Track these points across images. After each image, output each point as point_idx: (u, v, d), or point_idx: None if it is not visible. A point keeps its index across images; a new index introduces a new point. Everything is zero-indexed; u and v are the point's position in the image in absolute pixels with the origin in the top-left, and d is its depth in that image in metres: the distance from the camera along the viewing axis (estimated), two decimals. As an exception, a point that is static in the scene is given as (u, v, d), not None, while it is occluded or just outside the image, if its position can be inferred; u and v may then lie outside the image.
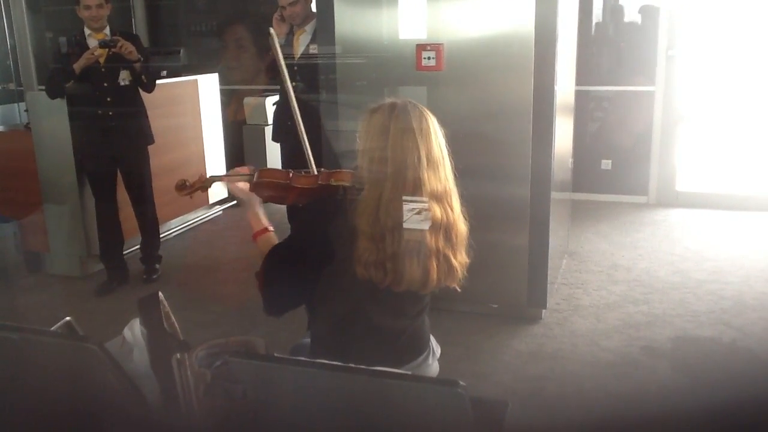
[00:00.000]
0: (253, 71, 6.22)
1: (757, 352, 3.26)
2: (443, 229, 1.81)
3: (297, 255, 1.87)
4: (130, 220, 4.29)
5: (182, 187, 2.03)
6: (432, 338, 2.05)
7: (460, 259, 1.87)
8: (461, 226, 1.86)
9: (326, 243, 1.82)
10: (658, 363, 3.18)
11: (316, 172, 1.94)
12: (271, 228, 1.95)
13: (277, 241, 1.94)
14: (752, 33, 5.41)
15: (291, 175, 1.93)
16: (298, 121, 2.05)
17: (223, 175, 2.05)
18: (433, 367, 2.01)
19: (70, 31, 4.15)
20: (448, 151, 1.83)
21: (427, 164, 1.77)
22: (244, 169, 2.02)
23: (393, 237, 1.76)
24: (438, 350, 2.05)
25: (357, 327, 1.90)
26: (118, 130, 4.02)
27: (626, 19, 5.70)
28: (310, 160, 1.99)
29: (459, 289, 1.91)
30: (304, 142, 2.03)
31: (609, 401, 2.90)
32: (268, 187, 1.95)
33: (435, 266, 1.81)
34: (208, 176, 2.04)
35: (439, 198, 1.80)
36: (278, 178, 1.94)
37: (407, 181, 1.76)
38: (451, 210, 1.83)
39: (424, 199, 1.79)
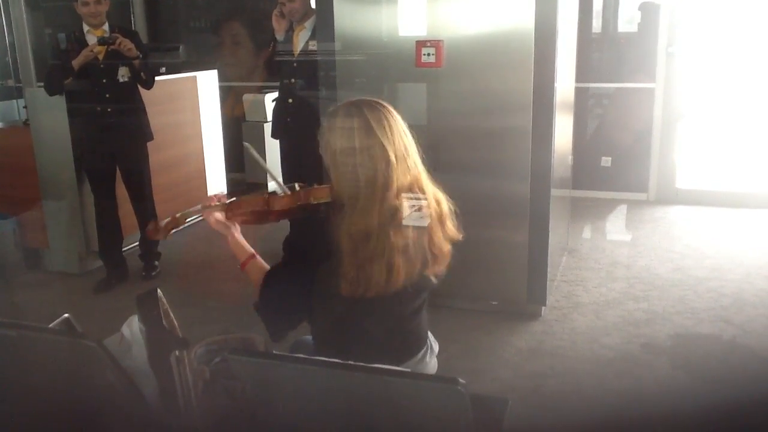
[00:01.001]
0: (251, 67, 6.21)
1: (756, 349, 3.26)
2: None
3: (291, 279, 1.85)
4: (129, 216, 4.29)
5: (156, 230, 2.01)
6: (430, 335, 2.04)
7: (446, 236, 1.84)
8: (438, 204, 1.83)
9: (317, 262, 1.80)
10: (658, 360, 3.18)
11: (288, 192, 1.88)
12: (256, 254, 1.92)
13: (265, 265, 1.91)
14: (752, 30, 5.40)
15: (267, 198, 1.88)
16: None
17: (196, 209, 1.99)
18: (432, 364, 2.00)
19: (69, 28, 4.13)
20: (412, 134, 1.81)
21: (396, 162, 1.74)
22: (217, 197, 1.97)
23: (382, 240, 1.73)
24: (436, 347, 2.04)
25: (351, 333, 1.88)
26: (116, 127, 4.01)
27: (626, 15, 5.69)
28: (280, 184, 1.92)
29: (444, 270, 1.88)
30: (269, 172, 2.00)
31: (609, 398, 2.90)
32: (245, 215, 1.91)
33: (402, 262, 1.76)
34: (179, 215, 2.00)
35: (408, 190, 1.78)
36: (254, 205, 1.90)
37: (377, 185, 1.73)
38: (422, 193, 1.81)
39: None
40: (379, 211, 1.73)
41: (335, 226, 1.74)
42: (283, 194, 1.87)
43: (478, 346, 3.32)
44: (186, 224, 2.04)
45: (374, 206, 1.73)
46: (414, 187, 1.79)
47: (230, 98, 6.25)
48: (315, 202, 1.82)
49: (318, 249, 1.79)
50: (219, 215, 1.91)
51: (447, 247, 1.86)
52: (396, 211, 1.75)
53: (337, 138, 1.77)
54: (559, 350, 3.28)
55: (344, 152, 1.75)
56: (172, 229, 1.99)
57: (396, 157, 1.74)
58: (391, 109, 1.80)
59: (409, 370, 1.82)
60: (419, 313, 1.97)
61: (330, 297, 1.81)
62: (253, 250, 1.92)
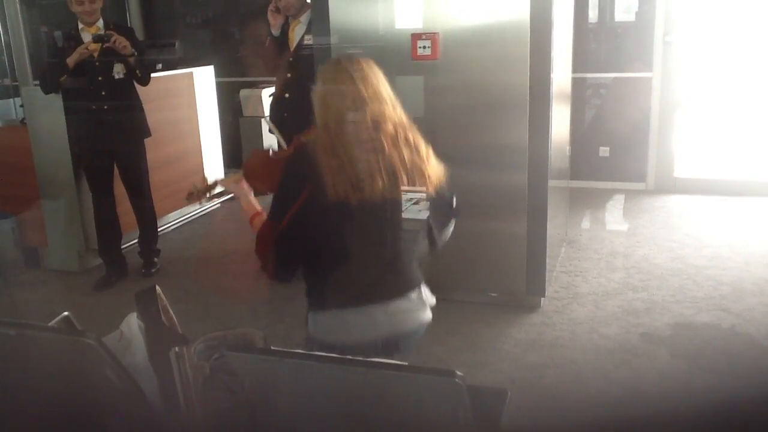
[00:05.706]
0: (248, 63, 6.20)
1: (756, 337, 3.26)
2: (396, 131, 1.95)
3: (298, 221, 2.00)
4: (128, 214, 4.29)
5: (192, 195, 2.31)
6: (425, 288, 2.11)
7: (430, 167, 1.99)
8: (417, 136, 1.99)
9: (306, 188, 1.97)
10: (658, 350, 3.19)
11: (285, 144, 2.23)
12: (264, 212, 2.13)
13: None
14: (749, 19, 5.39)
15: (270, 152, 2.21)
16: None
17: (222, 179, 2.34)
18: (425, 314, 2.08)
19: (65, 25, 4.12)
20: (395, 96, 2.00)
21: (368, 95, 1.93)
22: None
23: (350, 149, 1.92)
24: (432, 299, 2.12)
25: (342, 260, 2.01)
26: (113, 124, 4.01)
27: (623, 5, 5.68)
28: (281, 142, 2.25)
29: (431, 192, 2.04)
30: (269, 123, 2.29)
31: (608, 388, 2.91)
32: (255, 171, 2.21)
33: (399, 162, 1.94)
34: (210, 181, 2.32)
35: (393, 126, 1.95)
36: (260, 158, 2.22)
37: (346, 98, 1.93)
38: (401, 116, 1.98)
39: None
40: (355, 127, 1.93)
41: (319, 149, 1.94)
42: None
43: (478, 339, 3.33)
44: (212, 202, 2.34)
45: (346, 124, 1.94)
46: (398, 129, 1.96)
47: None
48: (305, 139, 2.07)
49: (306, 178, 1.95)
50: (236, 180, 2.23)
51: (430, 170, 2.01)
52: (374, 128, 1.93)
53: (317, 83, 2.00)
54: (559, 341, 3.29)
55: (321, 92, 1.98)
56: (207, 191, 2.31)
57: (367, 92, 1.93)
58: (372, 63, 2.00)
59: (405, 341, 2.00)
60: (401, 242, 2.08)
61: (322, 210, 1.95)
62: (261, 208, 2.16)
